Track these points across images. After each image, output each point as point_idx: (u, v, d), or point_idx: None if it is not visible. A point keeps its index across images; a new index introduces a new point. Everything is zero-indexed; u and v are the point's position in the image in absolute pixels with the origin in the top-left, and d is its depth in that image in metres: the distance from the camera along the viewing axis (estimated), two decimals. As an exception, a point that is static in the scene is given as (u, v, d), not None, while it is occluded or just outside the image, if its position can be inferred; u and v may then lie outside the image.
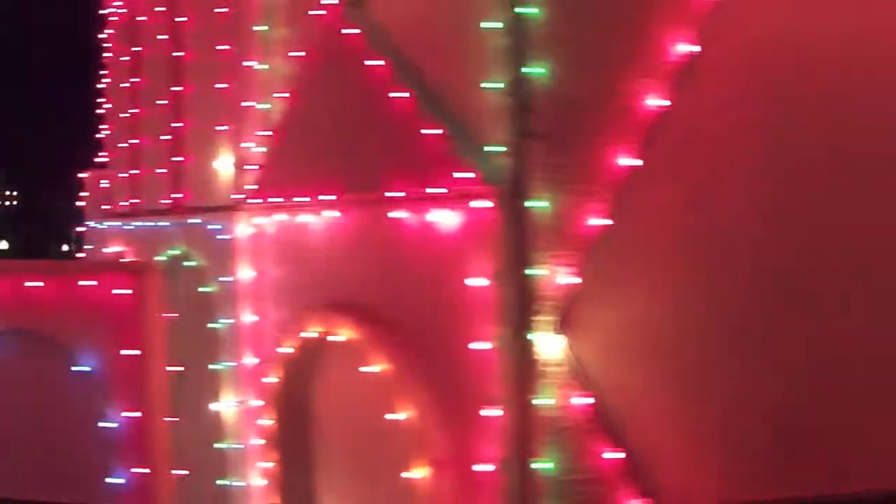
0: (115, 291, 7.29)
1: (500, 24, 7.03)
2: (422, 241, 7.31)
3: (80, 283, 7.40)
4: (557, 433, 6.86)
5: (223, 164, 9.52)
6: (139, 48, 11.01)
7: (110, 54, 12.39)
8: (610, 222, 6.79)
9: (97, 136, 12.61)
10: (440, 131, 7.11)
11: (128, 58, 11.37)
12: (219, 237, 9.12)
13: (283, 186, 8.48)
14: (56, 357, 7.42)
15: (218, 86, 9.33)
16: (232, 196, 9.08)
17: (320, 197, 7.86)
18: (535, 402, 6.80)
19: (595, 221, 6.79)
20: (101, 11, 12.57)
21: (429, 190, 7.13)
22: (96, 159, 12.70)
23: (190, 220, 9.51)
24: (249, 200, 8.77)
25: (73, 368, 7.46)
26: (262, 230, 8.88)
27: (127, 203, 11.24)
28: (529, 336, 6.79)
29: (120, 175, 11.36)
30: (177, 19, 10.06)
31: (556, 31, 6.90)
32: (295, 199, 8.14)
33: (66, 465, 7.40)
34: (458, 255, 7.05)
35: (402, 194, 7.34)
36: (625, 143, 6.86)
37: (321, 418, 8.37)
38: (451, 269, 7.06)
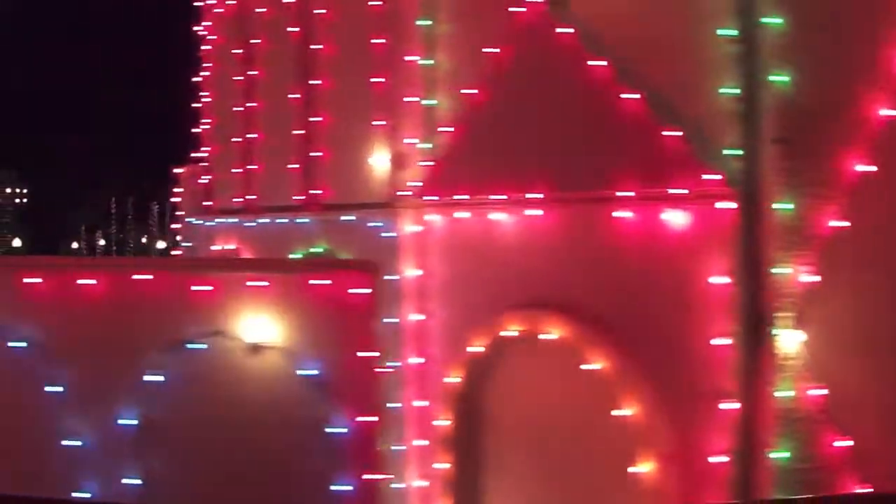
0: (351, 291, 6.98)
1: (734, 32, 7.22)
2: (653, 241, 7.35)
3: (312, 282, 7.09)
4: (791, 424, 7.10)
5: (379, 161, 9.44)
6: (257, 40, 10.86)
7: (209, 47, 12.14)
8: (846, 224, 7.02)
9: (194, 131, 12.69)
10: (678, 133, 7.22)
11: (240, 50, 11.30)
12: (383, 234, 8.99)
13: (466, 183, 8.35)
14: (279, 359, 7.13)
15: (374, 80, 9.23)
16: (398, 193, 9.00)
17: (527, 195, 7.81)
18: (773, 394, 6.99)
19: (831, 223, 7.02)
20: (196, 3, 12.51)
21: (671, 191, 7.20)
22: (193, 155, 12.61)
23: (343, 217, 9.34)
24: (425, 197, 8.66)
25: (300, 372, 7.15)
26: (432, 227, 8.81)
27: (241, 199, 11.24)
28: (771, 332, 7.00)
29: (233, 171, 11.13)
30: (315, 11, 9.91)
31: (795, 41, 7.04)
32: (490, 196, 8.07)
33: (290, 473, 7.10)
34: (696, 253, 7.14)
35: (632, 194, 7.38)
36: (858, 150, 7.06)
37: (505, 417, 8.23)
38: (687, 268, 7.17)
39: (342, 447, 7.04)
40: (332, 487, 7.05)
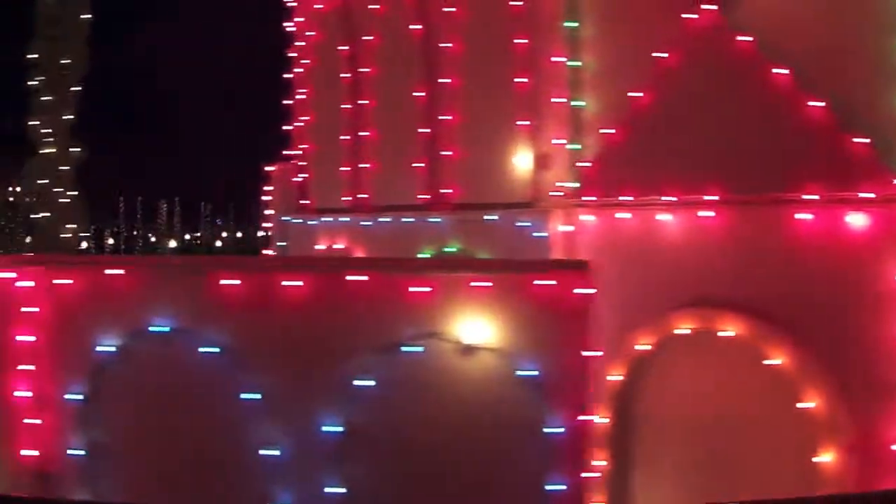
0: (576, 291, 7.24)
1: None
2: (837, 241, 8.02)
3: (536, 282, 7.28)
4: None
5: (521, 160, 9.97)
6: (369, 37, 11.29)
7: (303, 43, 12.38)
8: None
9: (286, 128, 12.95)
10: (865, 140, 7.96)
11: (346, 47, 11.67)
12: (534, 234, 9.47)
13: (629, 184, 8.84)
14: (495, 361, 7.34)
15: (516, 80, 9.72)
16: (550, 193, 9.48)
17: (704, 197, 8.37)
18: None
19: None
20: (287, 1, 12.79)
21: (860, 194, 7.91)
22: (285, 153, 12.84)
23: (486, 217, 9.79)
24: (583, 198, 9.12)
25: (518, 373, 7.37)
26: (585, 227, 9.19)
27: (350, 198, 11.54)
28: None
29: (341, 169, 11.49)
30: (443, 10, 10.33)
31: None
32: (661, 197, 8.59)
33: (504, 474, 7.33)
34: (881, 254, 7.88)
35: (816, 197, 8.05)
36: None
37: (670, 414, 8.65)
38: (871, 267, 7.89)
39: (558, 447, 7.34)
40: (548, 487, 7.35)
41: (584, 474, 7.54)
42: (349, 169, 11.33)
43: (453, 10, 10.36)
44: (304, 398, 7.44)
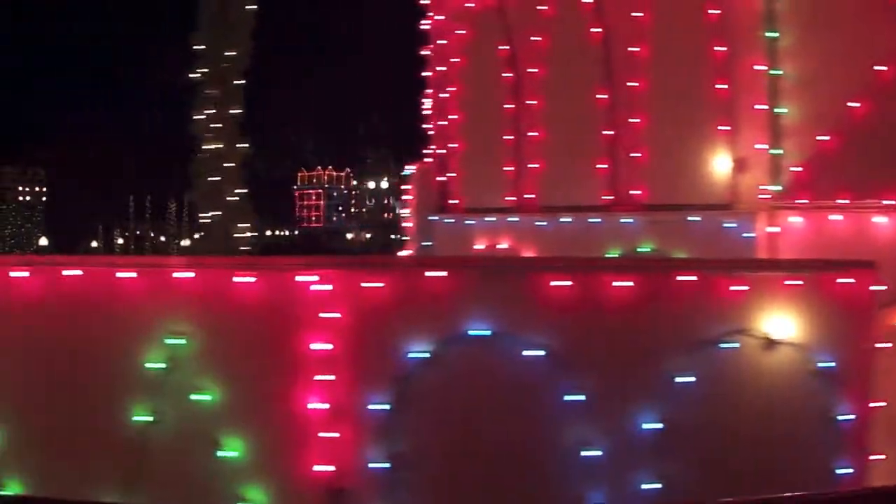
0: (871, 288, 8.45)
1: None
2: None
3: (839, 280, 8.43)
4: None
5: (719, 163, 11.00)
6: (536, 38, 12.12)
7: (444, 41, 13.06)
8: None
9: (426, 127, 13.43)
10: None
11: (506, 46, 12.53)
12: (744, 235, 10.51)
13: (843, 188, 10.22)
14: (795, 354, 8.38)
15: (718, 86, 10.78)
16: (759, 196, 10.59)
17: None
18: None
19: None
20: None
21: None
22: (425, 152, 13.46)
23: (690, 218, 10.72)
24: (797, 201, 10.42)
25: (819, 365, 8.45)
26: (792, 229, 10.46)
27: (514, 198, 12.36)
28: None
29: (505, 169, 12.36)
30: (631, 14, 11.29)
31: None
32: (882, 201, 10.07)
33: (798, 459, 8.33)
34: None
35: None
36: None
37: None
38: None
39: (848, 433, 8.52)
40: (837, 471, 8.50)
41: (870, 458, 8.81)
42: (512, 168, 12.19)
43: (640, 14, 11.44)
44: (627, 397, 8.19)
